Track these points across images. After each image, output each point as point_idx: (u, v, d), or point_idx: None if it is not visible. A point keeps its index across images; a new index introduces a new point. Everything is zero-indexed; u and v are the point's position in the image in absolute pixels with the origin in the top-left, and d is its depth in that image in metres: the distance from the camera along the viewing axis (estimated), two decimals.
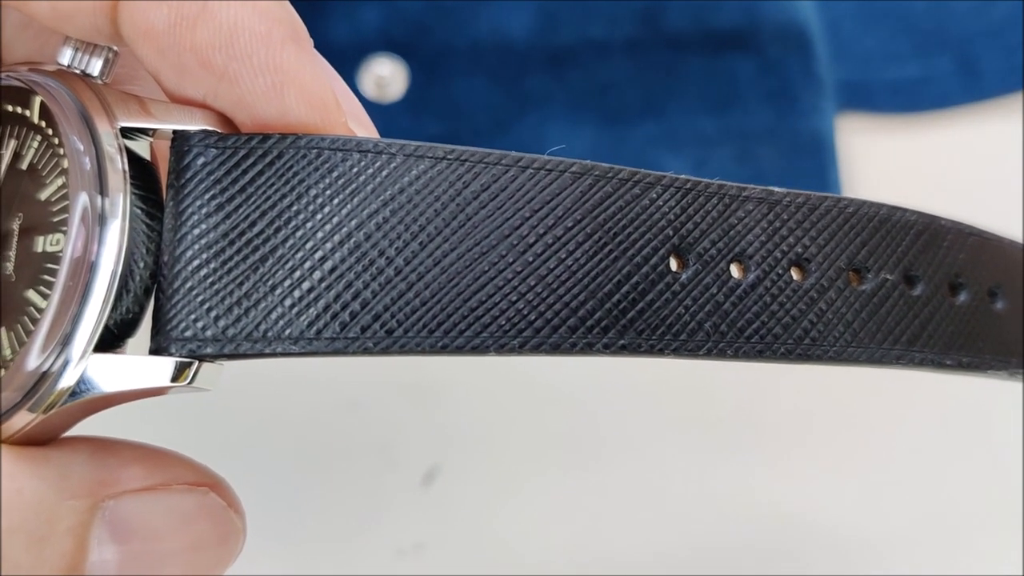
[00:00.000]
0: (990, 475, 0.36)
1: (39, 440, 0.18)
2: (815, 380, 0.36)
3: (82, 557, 0.18)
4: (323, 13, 0.38)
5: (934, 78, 0.41)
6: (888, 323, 0.21)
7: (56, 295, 0.17)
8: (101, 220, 0.17)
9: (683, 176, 0.20)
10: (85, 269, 0.17)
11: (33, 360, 0.17)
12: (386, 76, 0.39)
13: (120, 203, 0.18)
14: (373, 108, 0.38)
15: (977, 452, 0.36)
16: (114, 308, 0.18)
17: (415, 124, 0.39)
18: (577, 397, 0.36)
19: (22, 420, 0.18)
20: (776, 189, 0.20)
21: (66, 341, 0.17)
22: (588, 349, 0.19)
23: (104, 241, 0.17)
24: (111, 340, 0.18)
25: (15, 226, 0.19)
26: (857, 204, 0.21)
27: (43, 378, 0.17)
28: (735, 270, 0.20)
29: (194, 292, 0.18)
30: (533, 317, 0.18)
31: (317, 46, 0.20)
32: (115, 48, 0.19)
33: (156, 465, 0.19)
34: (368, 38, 0.39)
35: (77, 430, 0.19)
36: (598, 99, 0.39)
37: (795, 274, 0.20)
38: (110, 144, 0.18)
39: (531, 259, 0.18)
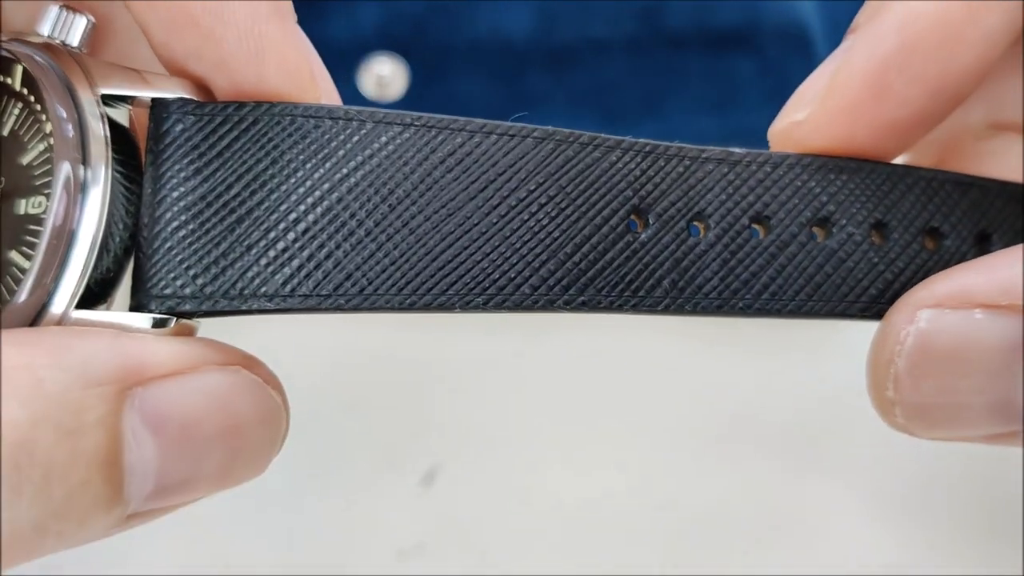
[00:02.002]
0: (989, 477, 0.36)
1: None
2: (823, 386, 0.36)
3: (118, 450, 0.17)
4: (322, 12, 0.38)
5: None
6: (854, 275, 0.21)
7: (39, 256, 0.18)
8: (83, 188, 0.18)
9: (642, 140, 0.20)
10: (67, 232, 0.18)
11: (15, 320, 0.18)
12: (386, 75, 0.39)
13: (102, 171, 0.18)
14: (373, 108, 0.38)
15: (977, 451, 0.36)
16: (95, 268, 0.18)
17: None
18: (578, 396, 0.35)
19: None
20: (736, 150, 0.21)
21: (48, 300, 0.18)
22: (549, 306, 0.19)
23: (85, 208, 0.18)
24: (91, 298, 0.19)
25: None
26: (821, 160, 0.21)
27: None
28: (695, 228, 0.20)
29: (173, 251, 0.19)
30: (497, 276, 0.19)
31: (316, 45, 0.21)
32: (92, 19, 0.20)
33: (180, 347, 0.18)
34: (368, 37, 0.39)
35: None
36: (598, 98, 0.39)
37: (757, 230, 0.21)
38: (92, 112, 0.18)
39: (495, 220, 0.19)
